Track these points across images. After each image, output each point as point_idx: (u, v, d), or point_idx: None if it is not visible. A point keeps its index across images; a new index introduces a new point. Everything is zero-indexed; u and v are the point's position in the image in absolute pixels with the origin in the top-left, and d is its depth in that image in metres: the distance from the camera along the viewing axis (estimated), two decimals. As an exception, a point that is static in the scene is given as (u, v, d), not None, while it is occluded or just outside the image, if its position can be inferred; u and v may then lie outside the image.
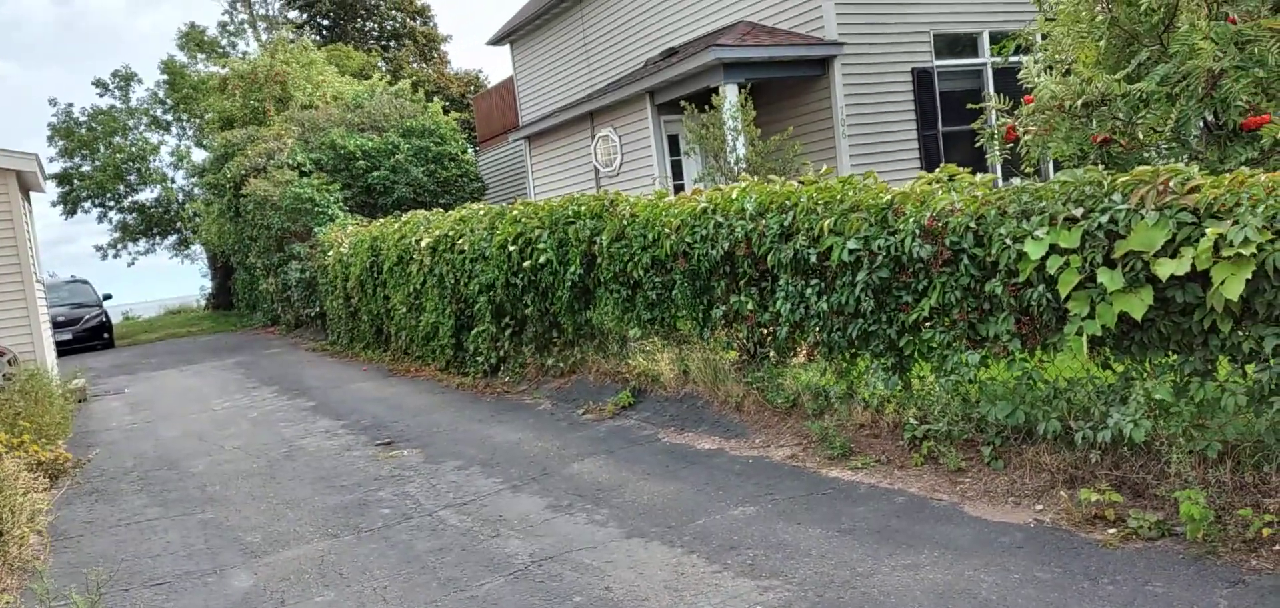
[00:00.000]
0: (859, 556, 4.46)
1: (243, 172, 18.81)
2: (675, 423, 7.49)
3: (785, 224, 6.24)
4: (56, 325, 23.58)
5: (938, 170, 5.49)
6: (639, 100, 14.63)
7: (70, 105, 31.98)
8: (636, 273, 7.73)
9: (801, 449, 6.27)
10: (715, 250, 6.82)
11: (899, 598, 3.94)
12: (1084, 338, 4.54)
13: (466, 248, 10.47)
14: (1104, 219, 4.41)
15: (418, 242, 11.68)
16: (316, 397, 11.70)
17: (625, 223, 7.85)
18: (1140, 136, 5.90)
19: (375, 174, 19.70)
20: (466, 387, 10.84)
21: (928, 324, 5.37)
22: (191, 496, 7.38)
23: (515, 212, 9.67)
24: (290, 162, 19.15)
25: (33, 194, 14.25)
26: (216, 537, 6.13)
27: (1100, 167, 4.96)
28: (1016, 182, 4.94)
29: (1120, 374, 4.69)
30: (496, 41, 20.76)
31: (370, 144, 19.81)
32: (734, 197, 6.78)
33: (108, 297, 28.03)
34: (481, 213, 10.59)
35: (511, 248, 9.35)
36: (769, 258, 6.37)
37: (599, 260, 8.23)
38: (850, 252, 5.61)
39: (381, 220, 14.55)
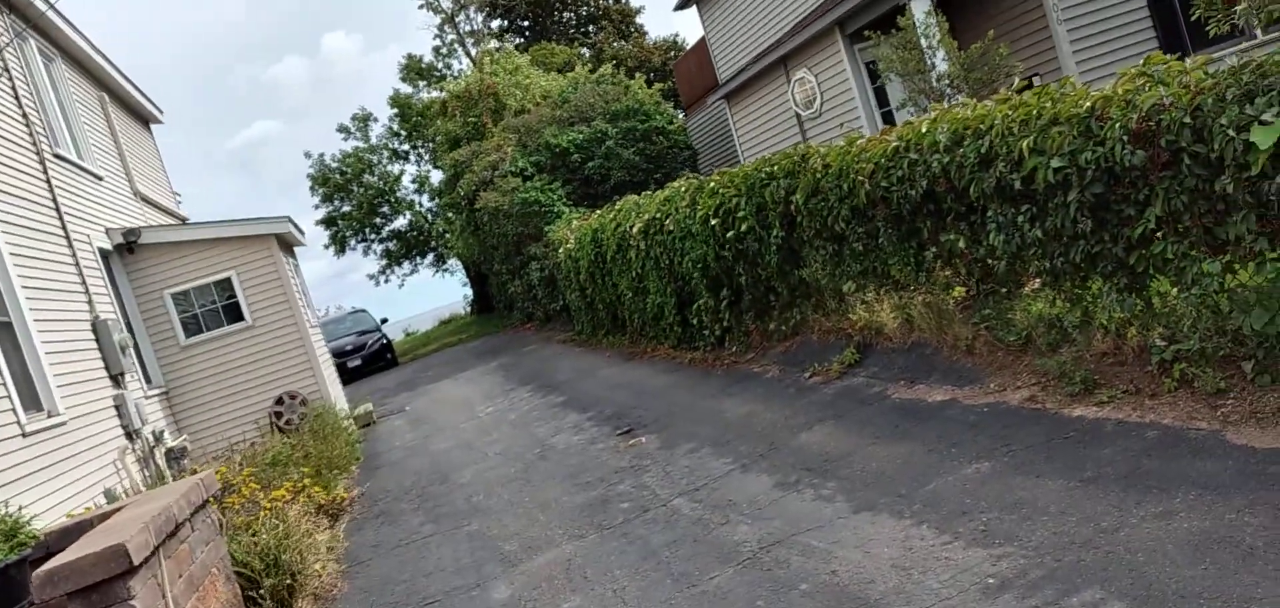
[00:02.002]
0: (1104, 508, 4.14)
1: (473, 187, 20.11)
2: (904, 376, 7.24)
3: (982, 151, 5.84)
4: (346, 353, 26.41)
5: (1141, 63, 4.91)
6: (829, 34, 14.13)
7: (322, 154, 35.73)
8: (838, 226, 7.53)
9: (1040, 388, 5.87)
10: (914, 190, 6.51)
11: (1148, 555, 3.63)
12: (1344, 227, 3.93)
13: (673, 228, 10.62)
14: (1351, 85, 3.79)
15: (631, 228, 12.00)
16: (566, 391, 12.37)
17: (819, 176, 7.66)
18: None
19: (590, 165, 20.38)
20: (697, 362, 11.05)
21: (1157, 236, 4.85)
22: (459, 508, 8.07)
23: (712, 184, 9.69)
24: (512, 169, 20.21)
25: (298, 248, 15.97)
26: (480, 548, 6.68)
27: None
28: (1231, 59, 4.32)
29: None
30: (682, 5, 20.76)
31: (581, 136, 20.50)
32: (924, 130, 6.43)
33: (385, 320, 30.91)
34: (683, 190, 10.70)
35: (714, 221, 9.39)
36: (972, 190, 5.99)
37: (799, 219, 8.09)
38: (1055, 171, 5.16)
39: (600, 210, 15.07)
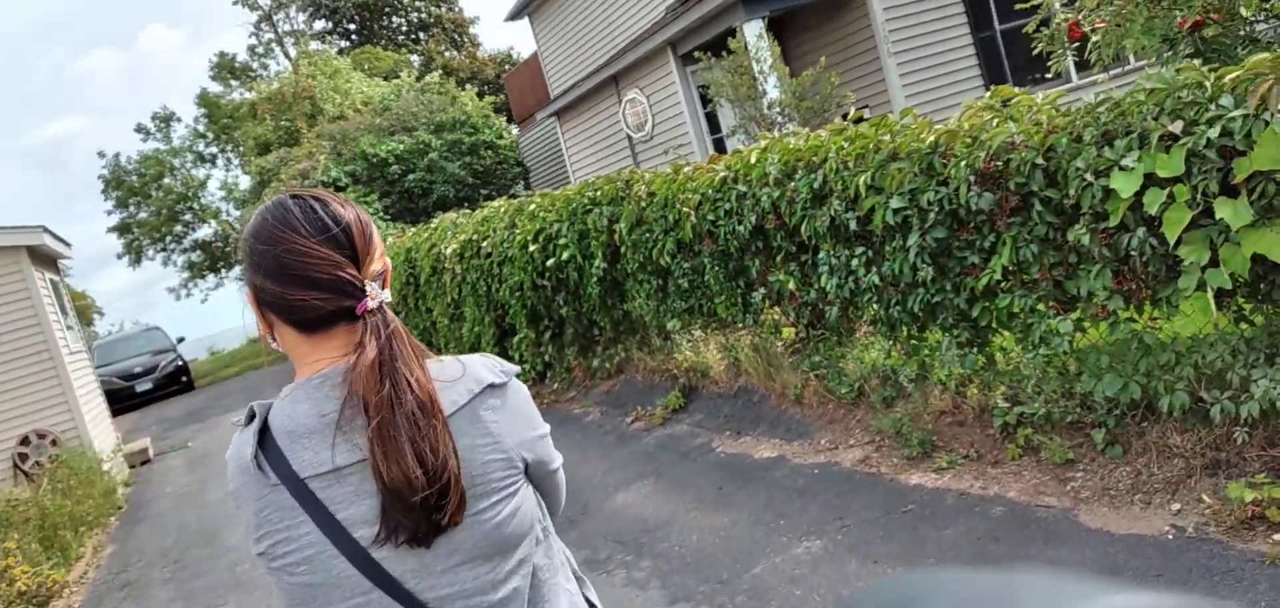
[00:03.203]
0: (949, 605, 3.55)
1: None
2: (731, 425, 6.61)
3: (815, 186, 5.27)
4: (134, 376, 23.87)
5: (988, 95, 4.43)
6: (660, 54, 13.59)
7: (117, 154, 32.38)
8: (663, 259, 6.84)
9: (874, 449, 5.33)
10: (742, 226, 5.89)
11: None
12: (1209, 291, 3.50)
13: (491, 251, 9.70)
14: (1214, 133, 3.35)
15: (446, 250, 10.98)
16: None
17: (644, 205, 6.95)
18: (1242, 10, 4.73)
19: (411, 177, 19.12)
20: (514, 399, 10.16)
21: (1003, 287, 4.37)
22: (221, 579, 6.85)
23: (532, 206, 8.85)
24: (325, 178, 18.68)
25: (63, 262, 14.01)
26: (233, 642, 5.54)
27: (1197, 61, 3.88)
28: (1088, 96, 3.88)
29: (1262, 327, 3.64)
30: (514, 16, 19.86)
31: (402, 147, 19.21)
32: (753, 160, 5.82)
33: (180, 339, 28.30)
34: (502, 211, 9.80)
35: (532, 247, 8.55)
36: (804, 228, 5.41)
37: (623, 249, 7.36)
38: (894, 212, 4.62)
39: (415, 228, 13.92)
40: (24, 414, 10.68)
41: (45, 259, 11.79)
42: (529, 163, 21.91)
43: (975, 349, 4.76)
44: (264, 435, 1.34)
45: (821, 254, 5.42)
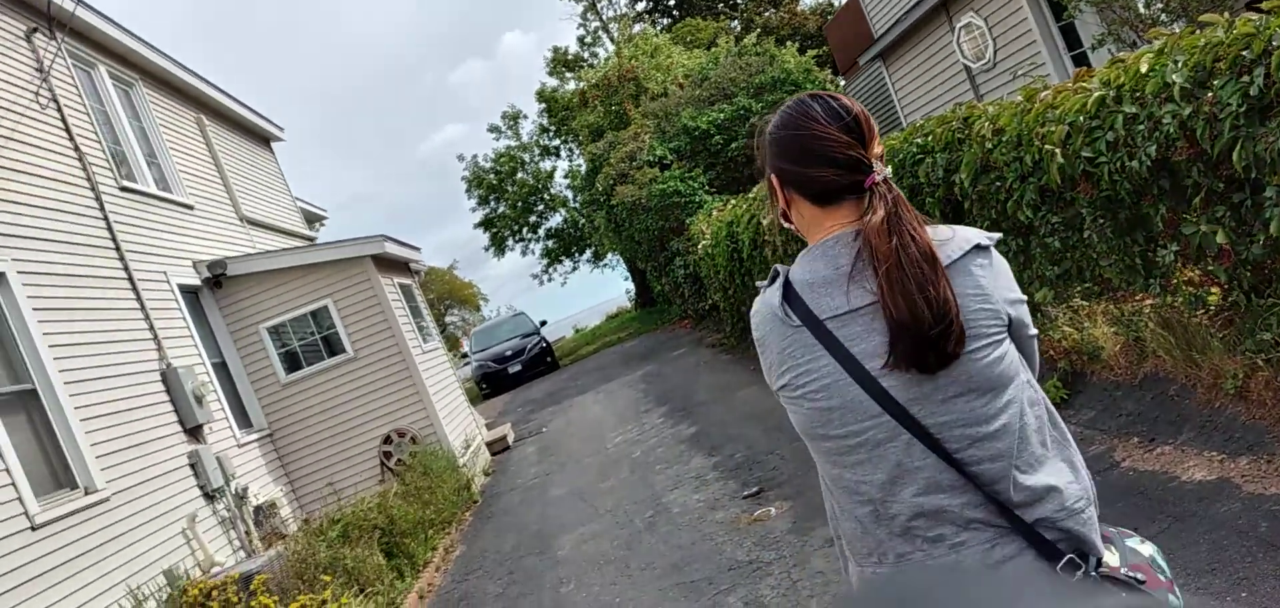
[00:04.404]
0: None
1: (610, 182, 18.56)
2: (1137, 427, 4.97)
3: (1255, 93, 3.60)
4: (506, 359, 25.73)
5: None
6: (1004, -37, 11.57)
7: (475, 155, 35.08)
8: (1021, 214, 5.36)
9: (1376, 469, 3.58)
10: (1136, 161, 4.30)
11: None
12: None
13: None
14: None
15: (763, 221, 10.07)
16: (698, 419, 10.61)
17: (989, 147, 5.49)
18: None
19: (733, 146, 18.40)
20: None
21: None
22: (543, 604, 6.48)
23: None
24: (650, 158, 18.54)
25: (415, 265, 14.91)
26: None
27: None
28: None
29: None
30: (833, -43, 18.37)
31: (721, 115, 18.54)
32: (1145, 69, 4.21)
33: (543, 322, 30.14)
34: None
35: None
36: (1236, 156, 3.76)
37: (965, 205, 5.94)
38: None
39: (735, 200, 13.13)
40: (385, 414, 11.36)
41: (394, 265, 12.51)
42: (858, 114, 20.26)
43: None
44: (786, 290, 1.62)
45: (1270, 191, 3.74)
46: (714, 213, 14.66)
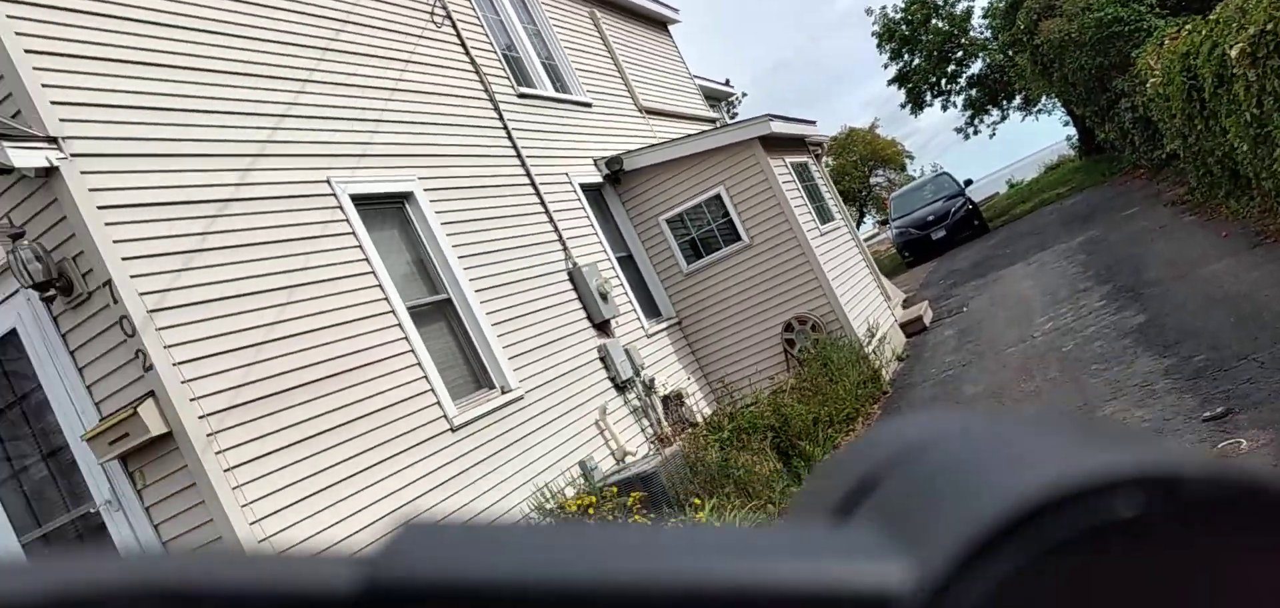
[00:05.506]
0: None
1: (1032, 16, 16.07)
2: None
3: None
4: (927, 225, 24.36)
5: None
6: None
7: (883, 7, 32.75)
8: None
9: None
10: None
11: None
12: None
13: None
14: None
15: (1231, 51, 7.80)
16: (1149, 303, 8.79)
17: None
18: None
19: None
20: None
21: None
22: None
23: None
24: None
25: (812, 139, 14.17)
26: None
27: None
28: None
29: None
30: None
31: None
32: None
33: (968, 182, 28.04)
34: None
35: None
36: None
37: None
38: None
39: (1191, 25, 10.47)
40: (785, 302, 10.98)
41: (785, 144, 11.90)
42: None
43: None
44: None
45: None
46: (1165, 43, 11.95)
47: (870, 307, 12.35)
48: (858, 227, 44.67)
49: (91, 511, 5.17)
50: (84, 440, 4.95)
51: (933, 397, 9.31)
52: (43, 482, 5.42)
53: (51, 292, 4.93)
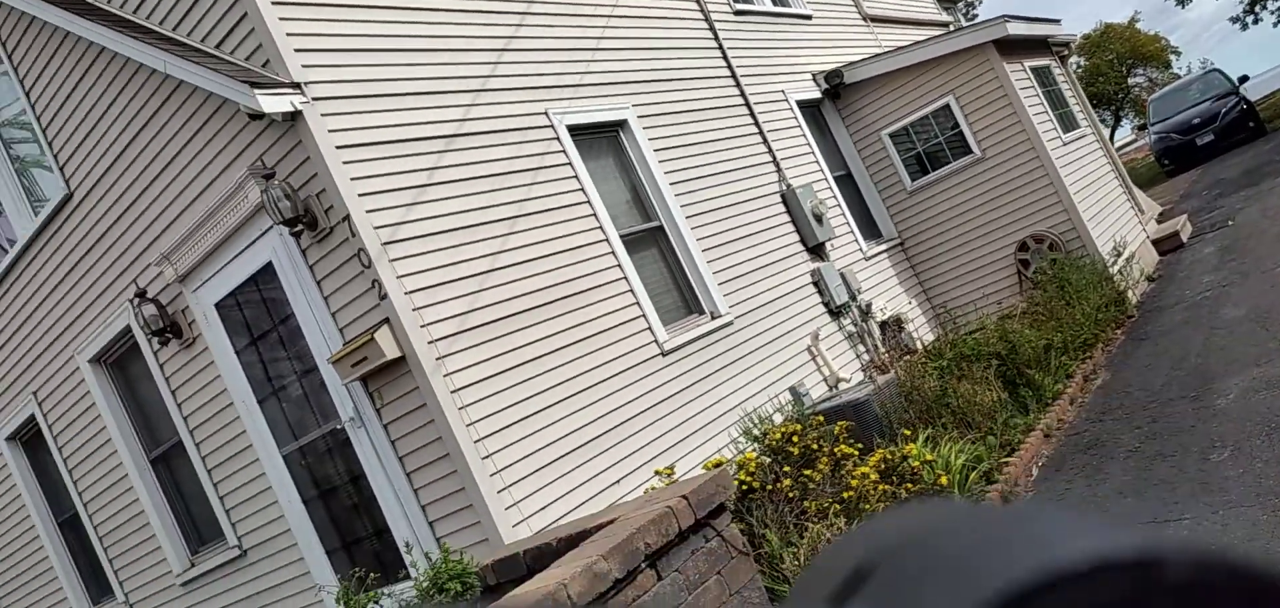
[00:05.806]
0: None
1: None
2: None
3: None
4: (1192, 128, 21.97)
5: None
6: None
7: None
8: None
9: None
10: None
11: None
12: None
13: None
14: None
15: None
16: None
17: None
18: None
19: None
20: None
21: None
22: (1186, 471, 5.19)
23: None
24: None
25: (1056, 39, 13.01)
26: None
27: None
28: None
29: None
30: None
31: None
32: None
33: (1243, 79, 24.90)
34: None
35: None
36: None
37: None
38: None
39: None
40: (1020, 219, 10.25)
41: (1024, 46, 10.95)
42: None
43: None
44: None
45: None
46: None
47: (1118, 222, 11.29)
48: (1112, 134, 40.74)
49: (338, 427, 5.73)
50: (330, 363, 5.47)
51: (1184, 321, 8.43)
52: (299, 399, 6.06)
53: (299, 227, 5.43)
